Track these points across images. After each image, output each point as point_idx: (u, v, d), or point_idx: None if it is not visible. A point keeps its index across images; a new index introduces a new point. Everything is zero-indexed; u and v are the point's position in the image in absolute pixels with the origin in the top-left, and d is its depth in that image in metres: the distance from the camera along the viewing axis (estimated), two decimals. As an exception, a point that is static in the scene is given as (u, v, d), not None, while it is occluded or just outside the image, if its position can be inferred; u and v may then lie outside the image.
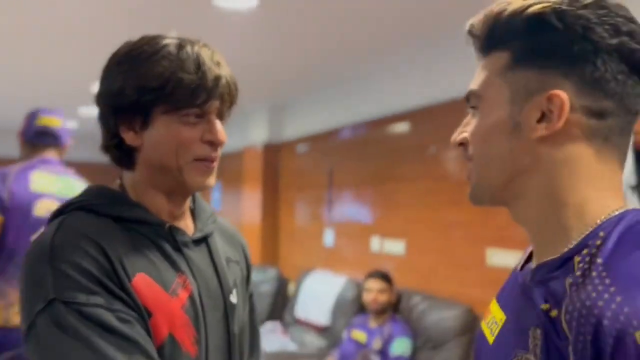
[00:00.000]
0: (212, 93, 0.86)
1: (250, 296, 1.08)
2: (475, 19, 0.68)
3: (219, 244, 0.99)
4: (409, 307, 3.24)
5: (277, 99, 4.99)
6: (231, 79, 0.90)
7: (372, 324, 3.22)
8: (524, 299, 0.64)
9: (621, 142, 0.64)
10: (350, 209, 4.27)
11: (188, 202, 0.97)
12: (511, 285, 0.71)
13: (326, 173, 4.53)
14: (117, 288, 0.79)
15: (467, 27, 0.69)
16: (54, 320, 0.75)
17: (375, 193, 4.00)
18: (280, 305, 4.59)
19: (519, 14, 0.63)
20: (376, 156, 3.99)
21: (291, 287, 4.68)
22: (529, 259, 0.71)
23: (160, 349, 0.82)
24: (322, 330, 3.99)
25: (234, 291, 0.96)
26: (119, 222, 0.86)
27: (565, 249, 0.61)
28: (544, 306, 0.59)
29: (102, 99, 0.90)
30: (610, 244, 0.58)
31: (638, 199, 1.97)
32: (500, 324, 0.68)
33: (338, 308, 3.86)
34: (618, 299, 0.53)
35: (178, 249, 0.90)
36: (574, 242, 0.61)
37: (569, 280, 0.58)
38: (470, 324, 2.93)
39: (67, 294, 0.76)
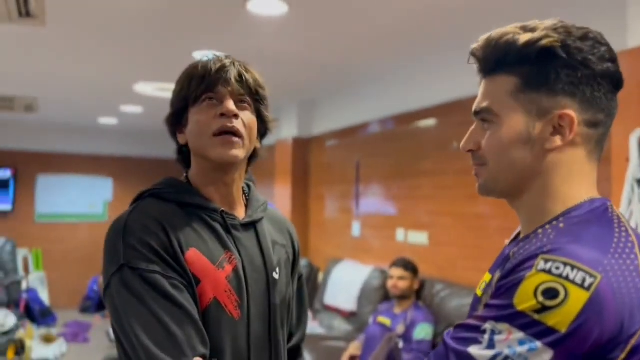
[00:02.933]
0: (218, 78, 1.04)
1: (300, 277, 1.25)
2: (478, 45, 0.82)
3: (267, 229, 1.15)
4: (432, 295, 3.40)
5: (307, 95, 5.14)
6: (243, 69, 1.07)
7: (397, 310, 3.38)
8: (504, 263, 0.80)
9: (604, 144, 0.81)
10: (376, 201, 4.42)
11: (238, 191, 1.13)
12: (499, 256, 0.88)
13: (353, 167, 4.68)
14: (173, 260, 0.96)
15: (470, 50, 0.83)
16: (122, 281, 0.94)
17: (400, 186, 4.13)
18: (310, 293, 4.77)
19: (530, 45, 0.76)
20: (401, 151, 4.11)
21: (320, 276, 4.88)
22: (517, 236, 0.88)
23: (206, 310, 0.98)
24: (349, 316, 4.17)
25: (277, 269, 1.11)
26: (182, 207, 1.06)
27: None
28: (511, 253, 0.76)
29: (168, 117, 1.13)
30: (574, 216, 0.74)
31: None
32: (487, 282, 0.84)
33: (364, 295, 4.04)
34: (552, 237, 0.70)
35: (228, 231, 1.07)
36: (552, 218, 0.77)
37: (532, 235, 0.76)
38: (489, 310, 3.08)
39: (133, 262, 0.95)
